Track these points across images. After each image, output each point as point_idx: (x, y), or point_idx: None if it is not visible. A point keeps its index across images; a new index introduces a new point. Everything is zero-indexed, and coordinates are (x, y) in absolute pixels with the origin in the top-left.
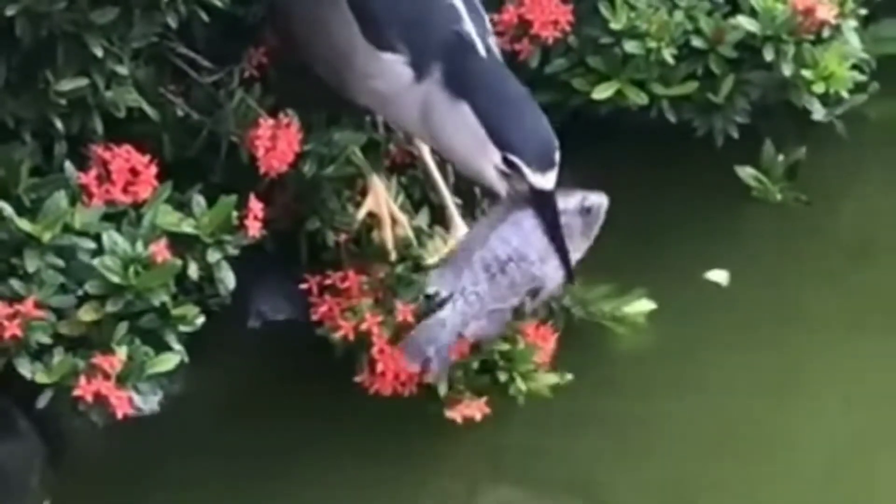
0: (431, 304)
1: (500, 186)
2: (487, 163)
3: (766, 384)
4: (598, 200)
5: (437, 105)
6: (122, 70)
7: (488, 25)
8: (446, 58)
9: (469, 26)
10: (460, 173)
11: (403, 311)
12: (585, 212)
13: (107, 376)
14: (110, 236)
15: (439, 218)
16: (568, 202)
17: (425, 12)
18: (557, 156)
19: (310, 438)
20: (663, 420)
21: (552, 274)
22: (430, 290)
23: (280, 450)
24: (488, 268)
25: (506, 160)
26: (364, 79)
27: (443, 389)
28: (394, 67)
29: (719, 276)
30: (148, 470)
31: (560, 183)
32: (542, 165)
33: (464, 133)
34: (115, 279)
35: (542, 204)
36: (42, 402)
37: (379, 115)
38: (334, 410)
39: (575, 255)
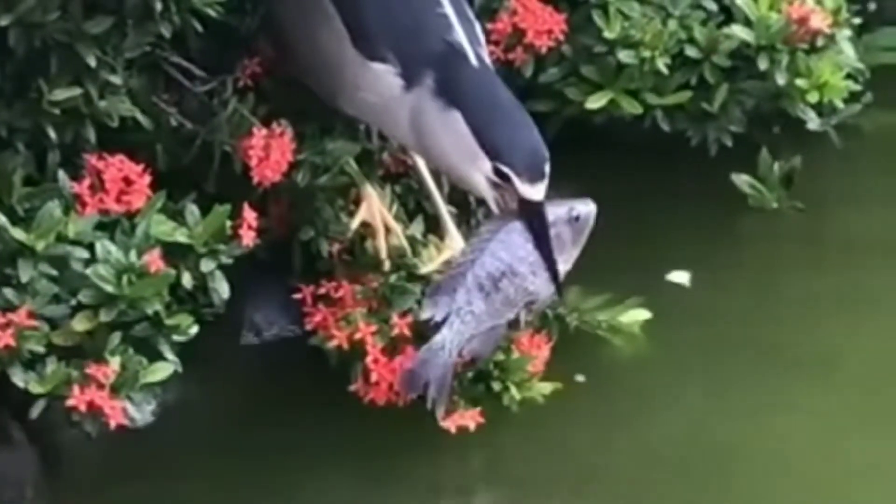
0: (427, 330)
1: (490, 196)
2: (477, 172)
3: (764, 393)
4: (587, 208)
5: (427, 113)
6: (116, 79)
7: (480, 36)
8: (437, 67)
9: (460, 36)
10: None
11: (400, 323)
12: (574, 220)
13: (100, 386)
14: (104, 246)
15: (434, 227)
16: (556, 212)
17: (416, 23)
18: (547, 167)
19: (304, 447)
20: (659, 428)
21: (544, 286)
22: (425, 315)
23: (274, 459)
24: (482, 286)
25: (496, 170)
26: (354, 90)
27: (440, 412)
28: (384, 78)
29: (681, 276)
30: (142, 480)
31: (553, 192)
32: (533, 176)
33: (454, 142)
34: (109, 288)
35: (531, 215)
36: (35, 412)
37: (371, 126)
38: (329, 419)
39: (565, 266)
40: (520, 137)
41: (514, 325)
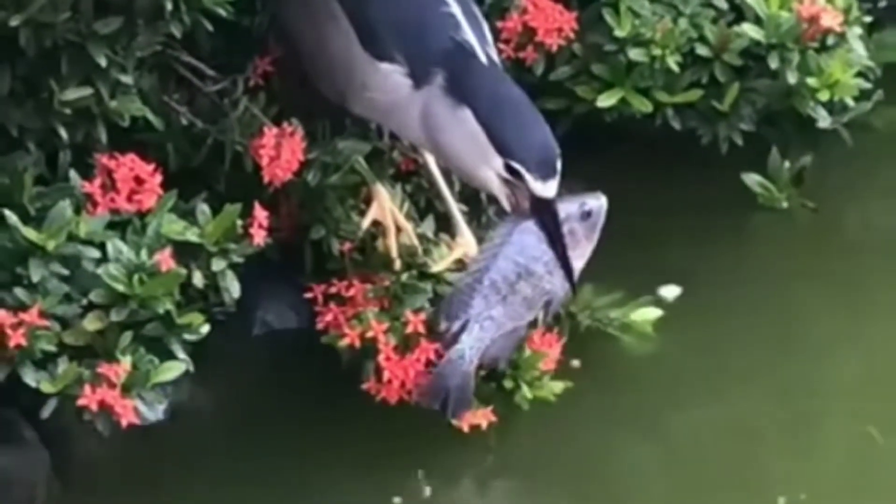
0: (446, 340)
1: (502, 194)
2: (489, 169)
3: (773, 390)
4: (598, 203)
5: (438, 111)
6: (127, 79)
7: (488, 35)
8: (446, 65)
9: (468, 34)
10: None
11: (414, 321)
12: (586, 215)
13: (112, 385)
14: (115, 245)
15: (445, 225)
16: (568, 208)
17: (423, 22)
18: (559, 164)
19: (315, 446)
20: (670, 425)
21: (560, 284)
22: (442, 326)
23: (286, 458)
24: (498, 290)
25: (508, 167)
26: (363, 90)
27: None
28: (393, 78)
29: (671, 291)
30: (154, 480)
31: (564, 189)
32: (544, 173)
33: (465, 139)
34: (120, 288)
35: (544, 213)
36: (47, 411)
37: (381, 125)
38: (340, 418)
39: (580, 262)
40: (531, 134)
41: (532, 325)
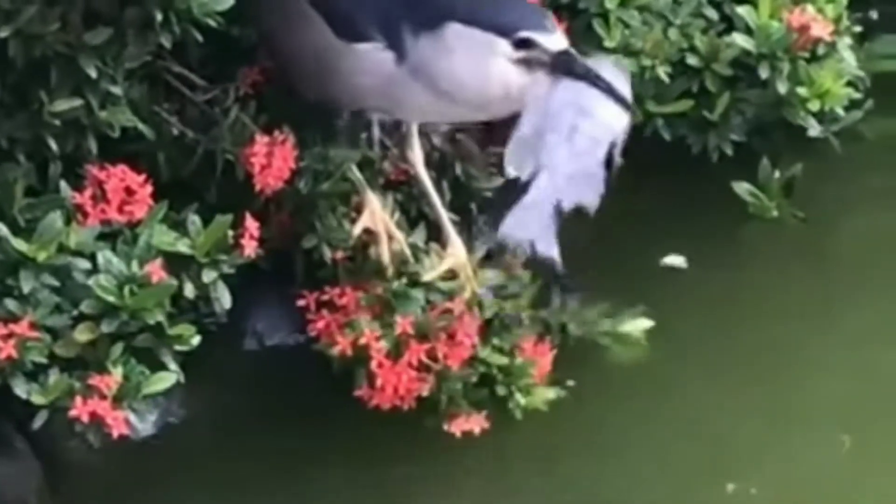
0: (516, 189)
1: (524, 79)
2: (500, 62)
3: (761, 400)
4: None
5: (430, 56)
6: (117, 90)
7: None
8: (410, 16)
9: None
10: (456, 189)
11: (403, 323)
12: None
13: (102, 396)
14: (105, 256)
15: (435, 235)
16: (600, 64)
17: None
18: (552, 16)
19: (308, 454)
20: (661, 435)
21: (616, 118)
22: (511, 175)
23: (279, 466)
24: (560, 134)
25: (517, 42)
26: (349, 77)
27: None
28: (374, 56)
29: (676, 260)
30: (146, 490)
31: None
32: (548, 29)
33: (466, 52)
34: (111, 299)
35: (569, 63)
36: (38, 422)
37: (383, 114)
38: (333, 426)
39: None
40: (516, 6)
41: (608, 165)
